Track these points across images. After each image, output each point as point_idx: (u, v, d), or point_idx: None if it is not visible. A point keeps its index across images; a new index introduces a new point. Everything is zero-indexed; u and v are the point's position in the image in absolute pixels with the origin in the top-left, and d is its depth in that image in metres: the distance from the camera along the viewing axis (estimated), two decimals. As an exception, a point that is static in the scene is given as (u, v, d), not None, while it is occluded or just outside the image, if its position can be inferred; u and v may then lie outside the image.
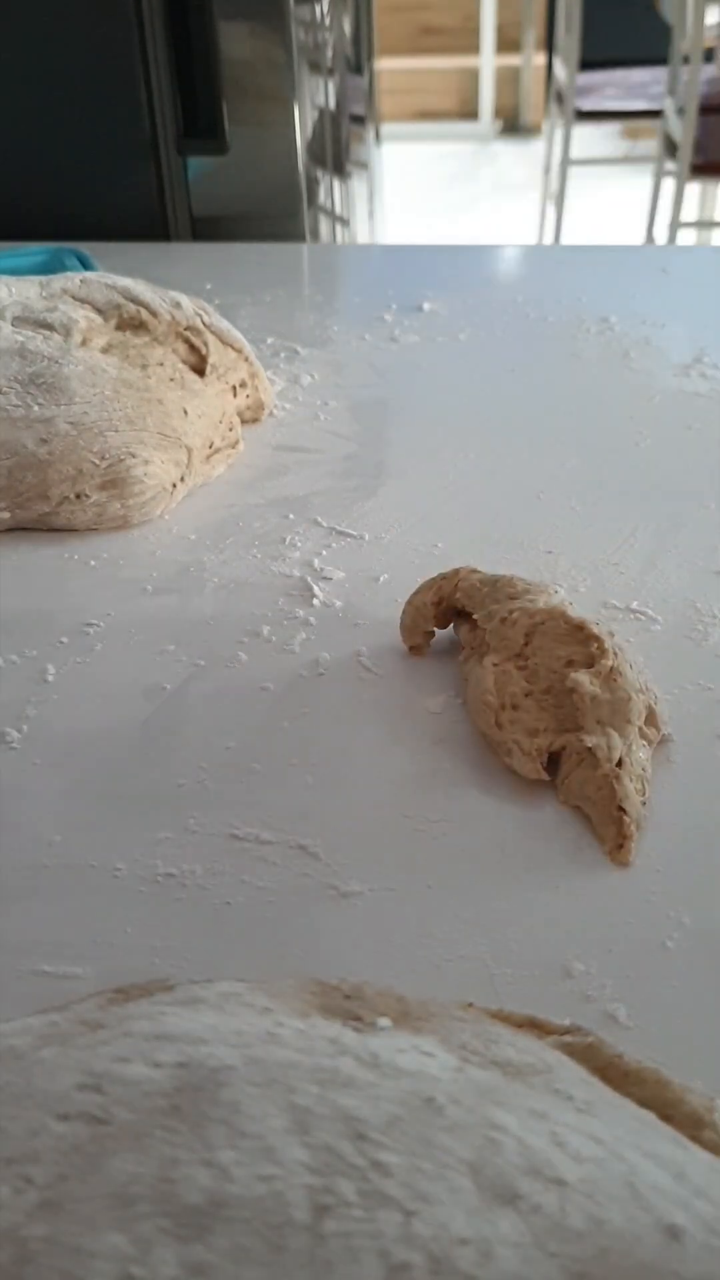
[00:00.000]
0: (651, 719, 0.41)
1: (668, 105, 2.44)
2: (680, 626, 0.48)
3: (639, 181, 2.96)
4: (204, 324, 0.64)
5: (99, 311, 0.62)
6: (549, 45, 3.23)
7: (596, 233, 3.11)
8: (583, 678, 0.40)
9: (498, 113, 4.24)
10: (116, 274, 0.66)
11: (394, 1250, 0.18)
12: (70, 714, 0.44)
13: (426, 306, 0.82)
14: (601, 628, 0.43)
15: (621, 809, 0.38)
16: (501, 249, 0.98)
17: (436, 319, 0.80)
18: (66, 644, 0.48)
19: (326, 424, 0.66)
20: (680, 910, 0.36)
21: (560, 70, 2.75)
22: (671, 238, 2.38)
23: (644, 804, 0.39)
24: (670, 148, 2.42)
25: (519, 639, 0.42)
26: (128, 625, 0.49)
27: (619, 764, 0.39)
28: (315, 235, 1.13)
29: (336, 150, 1.38)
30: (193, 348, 0.63)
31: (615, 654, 0.41)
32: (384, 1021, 0.25)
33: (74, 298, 0.62)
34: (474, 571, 0.47)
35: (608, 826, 0.38)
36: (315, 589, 0.51)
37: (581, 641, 0.42)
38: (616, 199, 3.30)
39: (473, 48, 4.13)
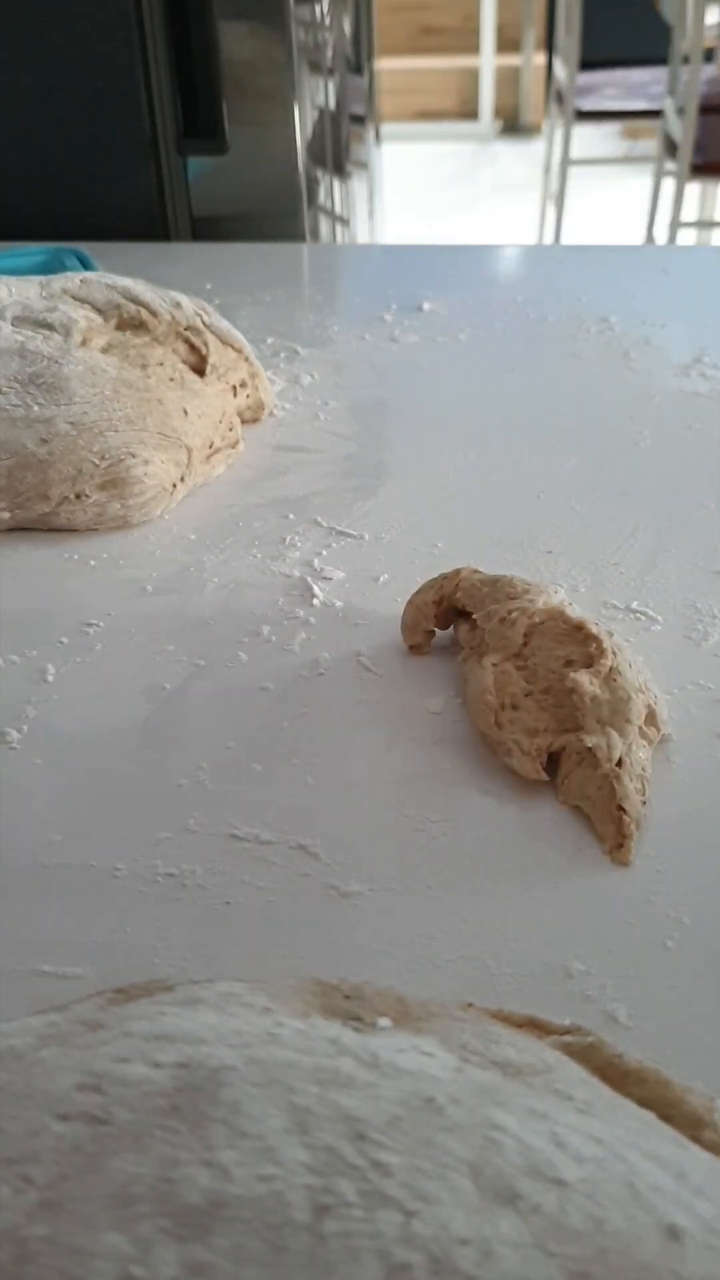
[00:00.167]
0: (651, 719, 0.41)
1: (668, 105, 2.44)
2: (680, 626, 0.48)
3: (639, 181, 2.97)
4: (204, 324, 0.64)
5: (99, 311, 0.62)
6: (549, 45, 3.24)
7: (596, 233, 3.11)
8: (582, 678, 0.40)
9: (498, 113, 4.24)
10: (116, 274, 0.66)
11: (394, 1250, 0.18)
12: (70, 714, 0.44)
13: (426, 306, 0.82)
14: (600, 627, 0.43)
15: (621, 808, 0.38)
16: (501, 249, 0.98)
17: (436, 319, 0.80)
18: (66, 644, 0.48)
19: (326, 424, 0.67)
20: (680, 910, 0.36)
21: (560, 70, 2.75)
22: (671, 238, 2.38)
23: (644, 803, 0.39)
24: (670, 148, 2.42)
25: (518, 639, 0.42)
26: (128, 625, 0.49)
27: (619, 763, 0.39)
28: (315, 235, 1.13)
29: (336, 150, 1.38)
30: (193, 348, 0.63)
31: (614, 654, 0.41)
32: (384, 1021, 0.25)
33: (74, 298, 0.62)
34: (475, 572, 0.47)
35: (607, 826, 0.38)
36: (315, 589, 0.51)
37: (580, 641, 0.42)
38: (616, 199, 3.30)
39: (473, 48, 4.13)
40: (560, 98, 2.76)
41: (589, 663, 0.41)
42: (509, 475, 0.61)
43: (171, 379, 0.61)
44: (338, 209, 1.40)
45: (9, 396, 0.56)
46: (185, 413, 0.59)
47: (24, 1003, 0.32)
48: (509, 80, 4.19)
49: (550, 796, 0.40)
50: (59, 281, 0.64)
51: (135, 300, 0.62)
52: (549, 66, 3.16)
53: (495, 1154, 0.20)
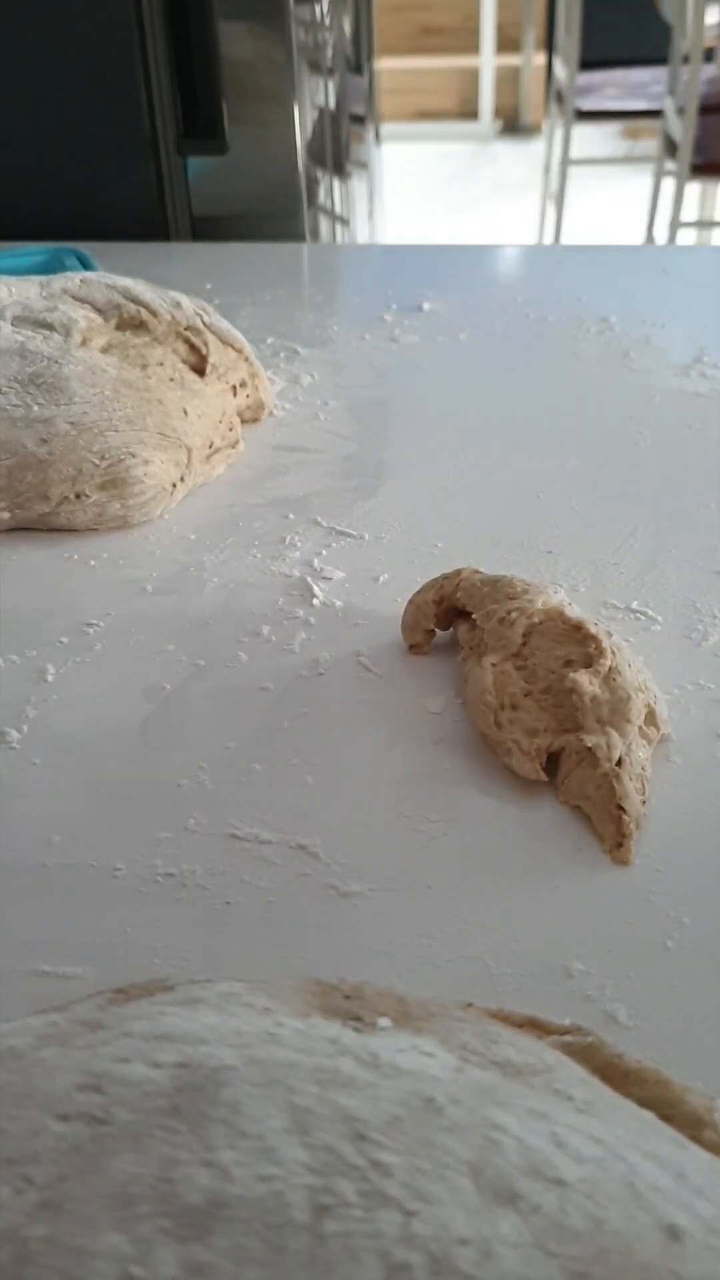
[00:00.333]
0: (651, 718, 0.41)
1: (668, 105, 2.44)
2: (680, 626, 0.48)
3: (639, 181, 2.97)
4: (204, 324, 0.64)
5: (99, 311, 0.62)
6: (549, 45, 3.24)
7: (596, 233, 3.11)
8: (582, 677, 0.40)
9: (498, 113, 4.24)
10: (116, 274, 0.66)
11: (394, 1250, 0.18)
12: (70, 714, 0.44)
13: (426, 306, 0.82)
14: (599, 627, 0.43)
15: (621, 808, 0.38)
16: (501, 249, 0.98)
17: (436, 319, 0.80)
18: (66, 644, 0.48)
19: (326, 424, 0.67)
20: (680, 910, 0.36)
21: (560, 70, 2.75)
22: (671, 238, 2.38)
23: (644, 803, 0.39)
24: (670, 148, 2.42)
25: (516, 639, 0.42)
26: (128, 625, 0.49)
27: (619, 763, 0.39)
28: (315, 235, 1.13)
29: (336, 150, 1.38)
30: (193, 348, 0.63)
31: (613, 653, 0.41)
32: (384, 1021, 0.25)
33: (74, 298, 0.62)
34: (476, 572, 0.47)
35: (607, 825, 0.38)
36: (315, 589, 0.51)
37: (579, 641, 0.42)
38: (616, 199, 3.30)
39: (473, 48, 4.13)
40: (560, 98, 2.76)
41: (588, 662, 0.41)
42: (509, 475, 0.61)
43: (171, 379, 0.61)
44: (338, 209, 1.40)
45: (9, 396, 0.56)
46: (185, 413, 0.59)
47: (24, 1003, 0.32)
48: (509, 80, 4.19)
49: (550, 796, 0.40)
50: (59, 281, 0.64)
51: (135, 300, 0.62)
52: (549, 66, 3.16)
53: (495, 1154, 0.20)
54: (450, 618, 0.47)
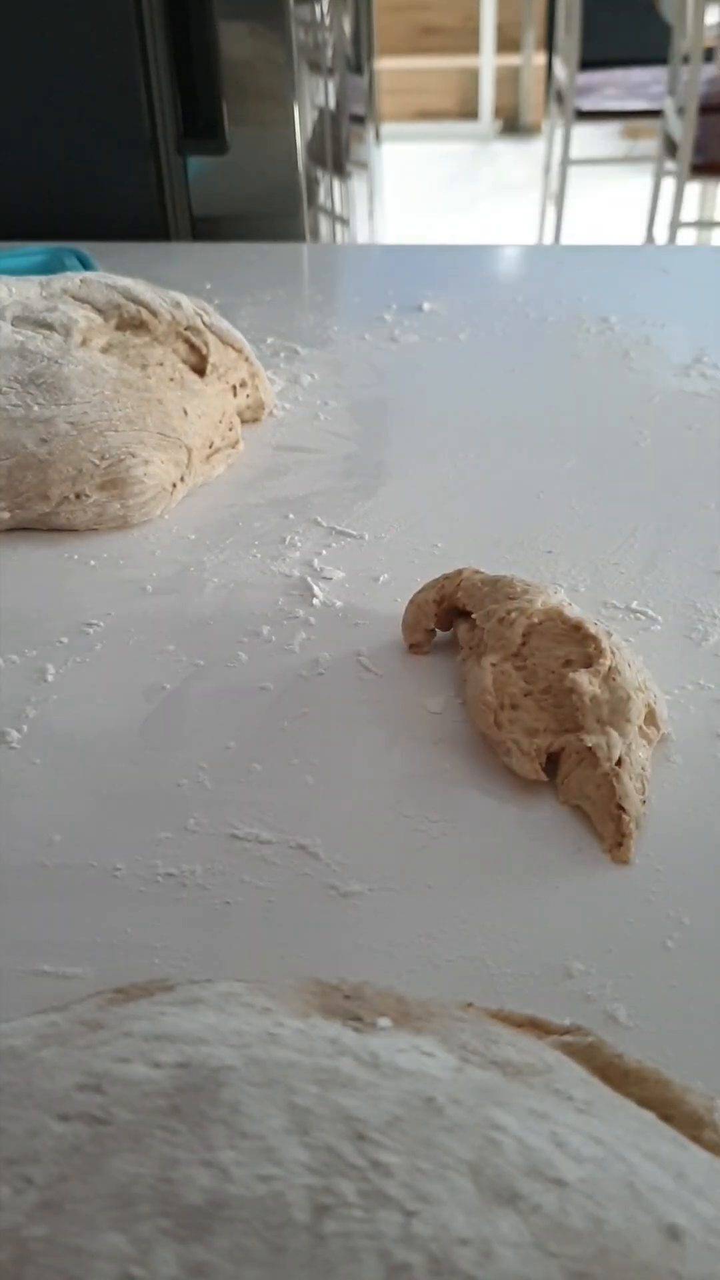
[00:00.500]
0: (651, 718, 0.41)
1: (668, 105, 2.44)
2: (680, 626, 0.48)
3: (639, 181, 2.97)
4: (204, 324, 0.64)
5: (99, 311, 0.62)
6: (549, 45, 3.24)
7: (596, 233, 3.11)
8: (581, 677, 0.40)
9: (498, 113, 4.24)
10: (116, 274, 0.66)
11: (394, 1250, 0.18)
12: (70, 714, 0.44)
13: (426, 306, 0.82)
14: (599, 627, 0.43)
15: (621, 807, 0.38)
16: (501, 249, 0.98)
17: (436, 319, 0.80)
18: (66, 644, 0.48)
19: (326, 424, 0.67)
20: (680, 910, 0.36)
21: (560, 70, 2.75)
22: (671, 238, 2.38)
23: (644, 803, 0.39)
24: (670, 148, 2.42)
25: (516, 639, 0.42)
26: (127, 625, 0.49)
27: (618, 763, 0.39)
28: (315, 235, 1.13)
29: (336, 150, 1.38)
30: (193, 347, 0.63)
31: (613, 653, 0.41)
32: (384, 1021, 0.25)
33: (74, 298, 0.62)
34: (477, 572, 0.47)
35: (607, 824, 0.38)
36: (315, 589, 0.51)
37: (579, 641, 0.42)
38: (616, 199, 3.30)
39: (473, 48, 4.13)
40: (560, 97, 2.76)
41: (588, 662, 0.41)
42: (509, 475, 0.61)
43: (171, 379, 0.61)
44: (338, 209, 1.40)
45: (9, 396, 0.56)
46: (185, 413, 0.59)
47: (24, 1003, 0.32)
48: (509, 80, 4.19)
49: (550, 796, 0.40)
50: (59, 281, 0.64)
51: (135, 300, 0.62)
52: (549, 66, 3.16)
53: (495, 1154, 0.20)
54: (450, 618, 0.47)
